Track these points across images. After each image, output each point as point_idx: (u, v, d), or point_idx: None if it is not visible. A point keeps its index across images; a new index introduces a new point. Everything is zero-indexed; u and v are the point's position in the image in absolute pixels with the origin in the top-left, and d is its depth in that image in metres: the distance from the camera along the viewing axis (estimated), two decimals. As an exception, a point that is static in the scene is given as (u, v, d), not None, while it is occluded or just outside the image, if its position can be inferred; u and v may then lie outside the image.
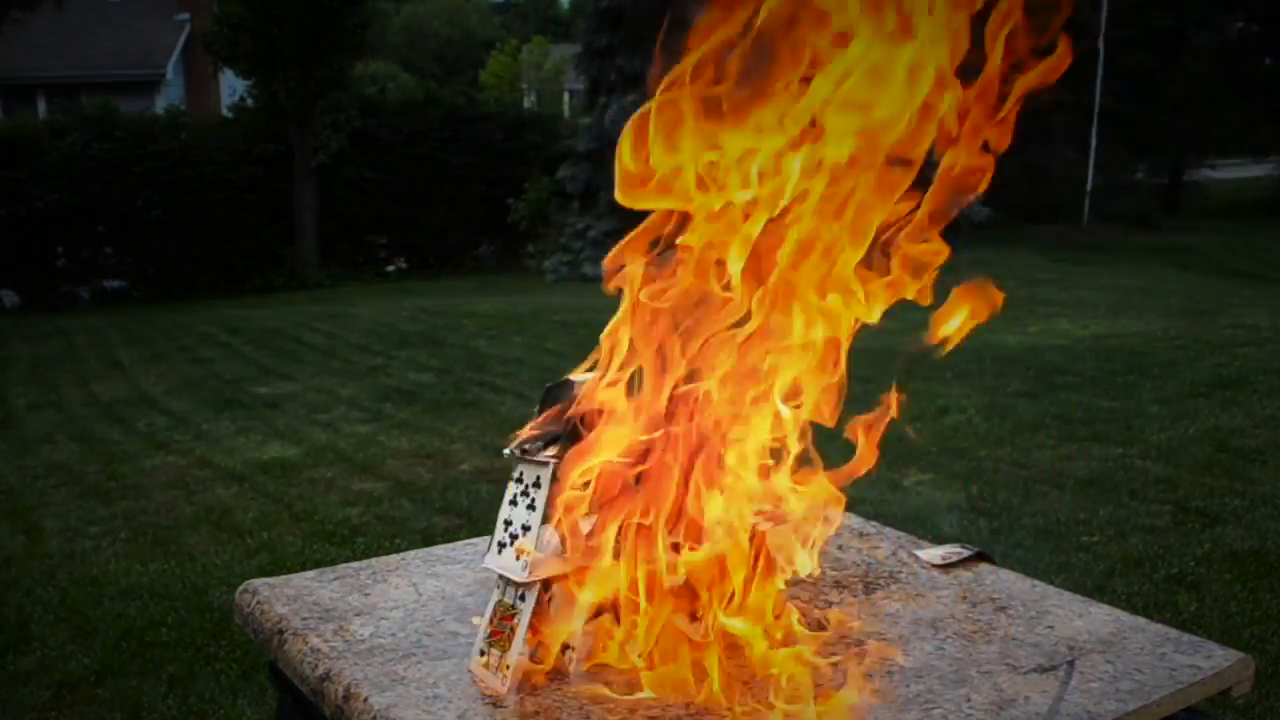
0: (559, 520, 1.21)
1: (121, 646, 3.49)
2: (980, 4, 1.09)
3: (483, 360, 8.10)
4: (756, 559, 1.28)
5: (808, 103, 1.11)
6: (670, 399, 1.21)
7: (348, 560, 1.88)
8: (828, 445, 1.34)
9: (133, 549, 4.41)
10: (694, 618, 1.25)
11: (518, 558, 1.25)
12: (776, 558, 1.28)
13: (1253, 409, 5.59)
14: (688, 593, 1.25)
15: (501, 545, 1.28)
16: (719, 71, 1.10)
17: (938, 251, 1.16)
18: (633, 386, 1.21)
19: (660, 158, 1.13)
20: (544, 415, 1.24)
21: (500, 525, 1.28)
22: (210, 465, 5.62)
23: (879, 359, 7.95)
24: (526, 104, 30.35)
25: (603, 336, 1.21)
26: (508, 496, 1.28)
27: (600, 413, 1.20)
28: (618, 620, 1.25)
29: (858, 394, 5.28)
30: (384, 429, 6.20)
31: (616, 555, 1.22)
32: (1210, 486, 4.50)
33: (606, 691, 1.23)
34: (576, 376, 1.25)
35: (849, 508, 1.41)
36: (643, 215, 1.25)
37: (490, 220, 18.34)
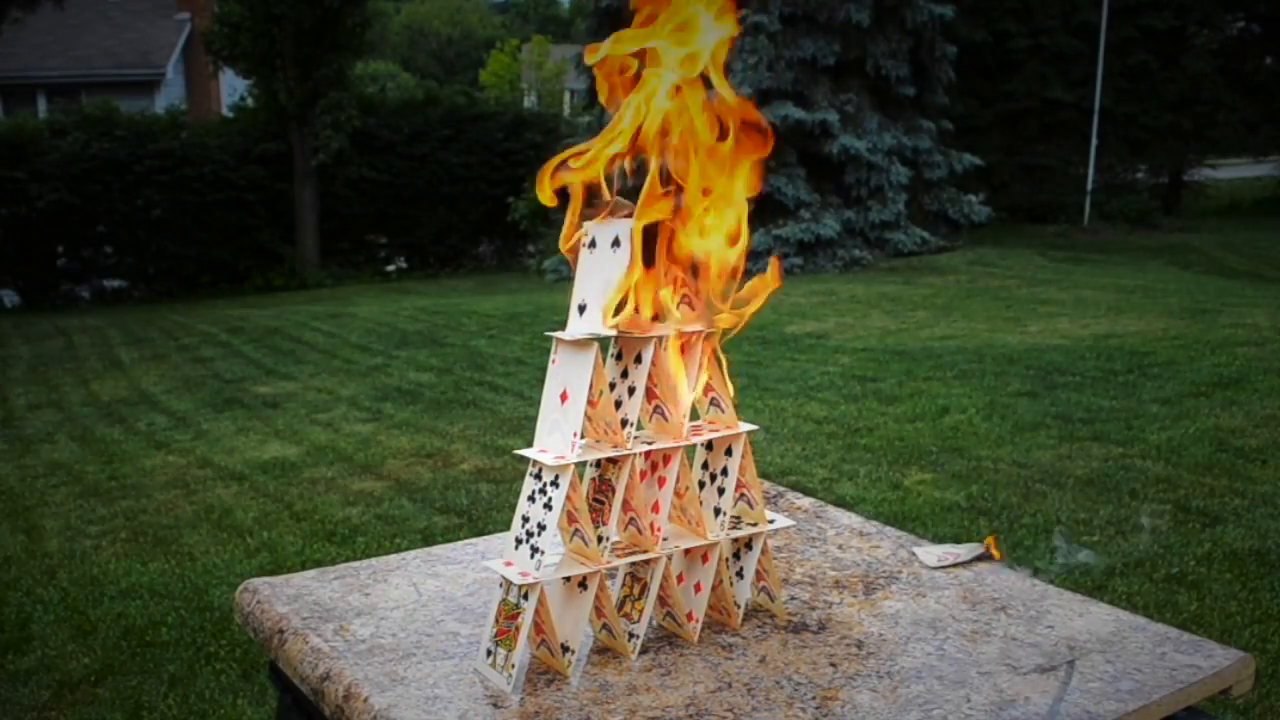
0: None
1: (122, 646, 3.49)
2: None
3: (483, 360, 8.11)
4: None
5: None
6: None
7: (348, 560, 1.88)
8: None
9: (133, 548, 4.41)
10: None
11: (531, 556, 1.25)
12: None
13: (1253, 409, 5.59)
14: None
15: (519, 541, 1.28)
16: None
17: None
18: None
19: None
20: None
21: (518, 521, 1.29)
22: (210, 465, 5.62)
23: (880, 358, 7.92)
24: (527, 104, 30.36)
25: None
26: (525, 492, 1.29)
27: None
28: None
29: (857, 392, 5.34)
30: (384, 428, 6.20)
31: None
32: (1210, 486, 4.50)
33: (606, 692, 1.24)
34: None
35: (850, 508, 1.41)
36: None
37: (490, 220, 18.36)
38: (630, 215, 1.28)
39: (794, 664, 1.30)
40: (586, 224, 1.31)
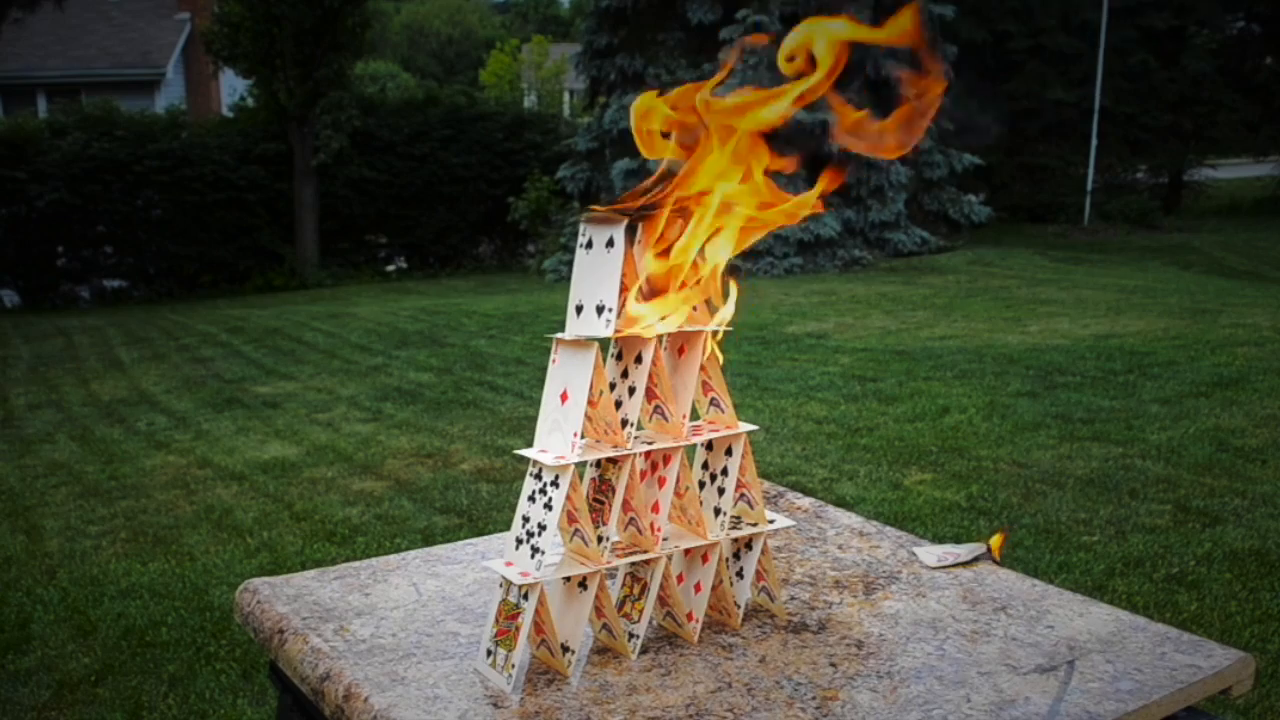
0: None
1: (122, 646, 3.49)
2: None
3: (483, 360, 8.11)
4: None
5: None
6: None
7: (348, 560, 1.88)
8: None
9: (133, 548, 4.41)
10: None
11: (531, 556, 1.25)
12: None
13: (1253, 408, 5.59)
14: None
15: (519, 541, 1.28)
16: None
17: None
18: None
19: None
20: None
21: (518, 521, 1.29)
22: (210, 465, 5.62)
23: (880, 358, 7.93)
24: (526, 104, 30.37)
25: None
26: (526, 493, 1.29)
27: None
28: None
29: (857, 392, 5.34)
30: (384, 428, 6.20)
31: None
32: (1210, 486, 4.50)
33: (606, 692, 1.24)
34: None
35: (850, 508, 1.41)
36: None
37: (490, 220, 18.37)
38: (625, 215, 1.28)
39: (794, 664, 1.30)
40: (582, 225, 1.31)
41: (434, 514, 4.66)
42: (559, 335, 1.31)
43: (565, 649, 1.29)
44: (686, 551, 1.39)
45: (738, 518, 1.42)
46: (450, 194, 18.28)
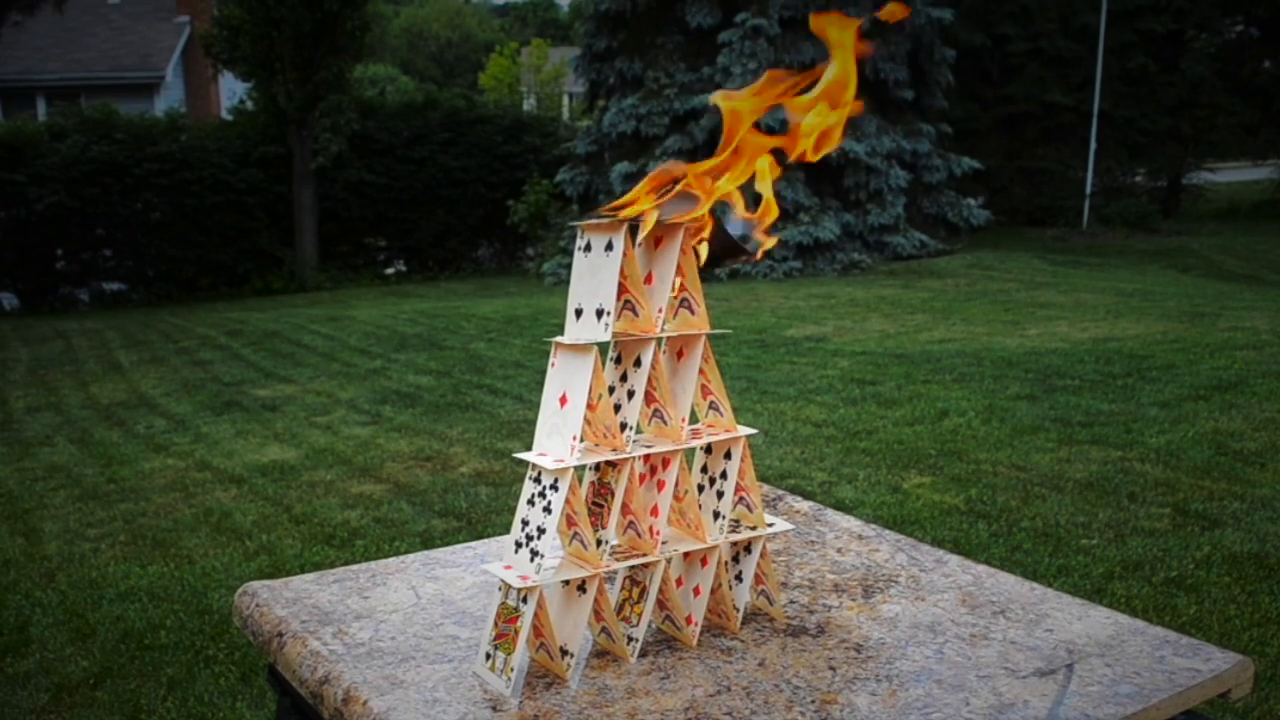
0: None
1: (120, 649, 3.49)
2: None
3: (482, 363, 8.11)
4: None
5: None
6: None
7: (347, 563, 1.88)
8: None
9: (132, 551, 4.41)
10: None
11: (530, 559, 1.25)
12: None
13: (1252, 412, 5.59)
14: None
15: (518, 544, 1.28)
16: None
17: None
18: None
19: None
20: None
21: (517, 524, 1.29)
22: (209, 468, 5.62)
23: (879, 362, 7.92)
24: (526, 107, 30.40)
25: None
26: (525, 496, 1.29)
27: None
28: None
29: (856, 395, 5.36)
30: (383, 431, 6.20)
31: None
32: (1209, 489, 4.51)
33: (605, 695, 1.24)
34: None
35: (849, 511, 1.41)
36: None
37: (489, 223, 18.38)
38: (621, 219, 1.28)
39: (793, 667, 1.30)
40: (580, 228, 1.31)
41: (433, 517, 4.66)
42: (558, 339, 1.31)
43: (564, 652, 1.29)
44: (685, 555, 1.39)
45: (737, 521, 1.42)
46: (449, 197, 18.29)
